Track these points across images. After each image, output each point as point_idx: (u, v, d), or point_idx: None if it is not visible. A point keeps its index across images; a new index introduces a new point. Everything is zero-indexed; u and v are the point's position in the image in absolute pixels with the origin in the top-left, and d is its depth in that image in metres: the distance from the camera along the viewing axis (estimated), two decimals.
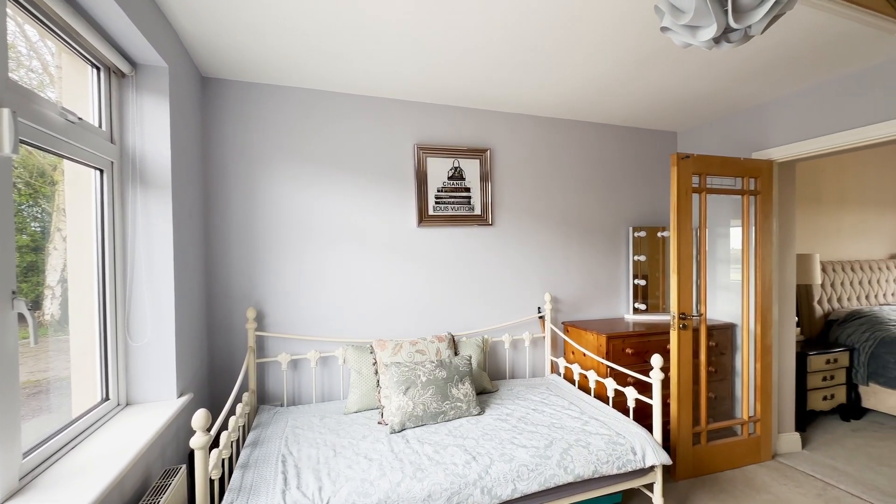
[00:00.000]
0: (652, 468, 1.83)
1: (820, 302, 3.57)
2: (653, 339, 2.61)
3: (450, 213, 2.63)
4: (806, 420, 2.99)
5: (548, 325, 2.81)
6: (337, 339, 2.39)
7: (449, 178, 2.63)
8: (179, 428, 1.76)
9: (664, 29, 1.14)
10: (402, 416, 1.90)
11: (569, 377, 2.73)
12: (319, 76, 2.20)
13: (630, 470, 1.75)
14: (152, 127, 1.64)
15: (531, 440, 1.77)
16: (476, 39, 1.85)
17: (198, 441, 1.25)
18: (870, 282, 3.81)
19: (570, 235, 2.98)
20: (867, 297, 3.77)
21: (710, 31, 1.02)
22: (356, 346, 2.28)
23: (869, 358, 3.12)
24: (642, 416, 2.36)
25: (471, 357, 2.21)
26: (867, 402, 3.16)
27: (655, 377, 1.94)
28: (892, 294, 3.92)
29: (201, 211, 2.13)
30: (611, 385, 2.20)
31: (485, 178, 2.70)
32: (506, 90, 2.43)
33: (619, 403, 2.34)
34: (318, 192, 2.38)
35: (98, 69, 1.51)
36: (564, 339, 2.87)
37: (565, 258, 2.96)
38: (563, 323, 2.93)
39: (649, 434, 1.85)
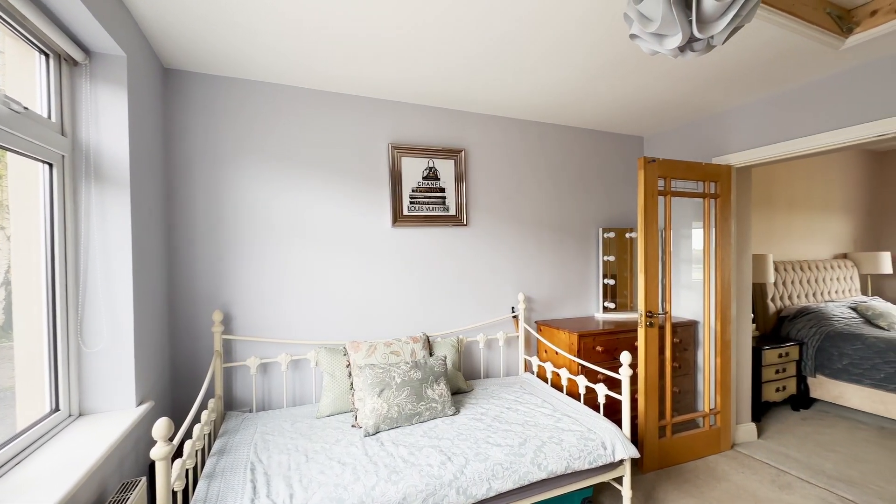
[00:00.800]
0: (621, 462, 1.88)
1: (773, 299, 3.80)
2: (622, 337, 2.69)
3: (425, 213, 2.62)
4: (761, 411, 3.17)
5: (521, 324, 2.85)
6: (309, 341, 2.33)
7: (424, 179, 2.62)
8: (139, 438, 1.66)
9: (633, 36, 1.18)
10: (377, 419, 1.87)
11: (542, 375, 2.78)
12: (289, 73, 2.14)
13: (601, 464, 1.79)
14: (108, 119, 1.54)
15: (506, 439, 1.79)
16: (451, 41, 1.85)
17: (159, 451, 1.18)
18: (816, 280, 4.09)
19: (542, 236, 3.03)
20: (814, 295, 4.05)
21: (676, 39, 1.07)
22: (329, 349, 2.23)
23: (816, 351, 3.35)
24: (612, 411, 2.44)
25: (446, 357, 2.21)
26: (814, 393, 3.40)
27: (624, 373, 2.00)
28: (836, 292, 4.22)
29: (163, 209, 2.03)
30: (582, 382, 2.26)
31: (459, 178, 2.71)
32: (481, 91, 2.44)
33: (590, 400, 2.41)
34: (289, 191, 2.31)
35: (47, 56, 1.41)
36: (537, 338, 2.92)
37: (538, 258, 3.01)
38: (536, 322, 2.98)
39: (618, 429, 1.91)
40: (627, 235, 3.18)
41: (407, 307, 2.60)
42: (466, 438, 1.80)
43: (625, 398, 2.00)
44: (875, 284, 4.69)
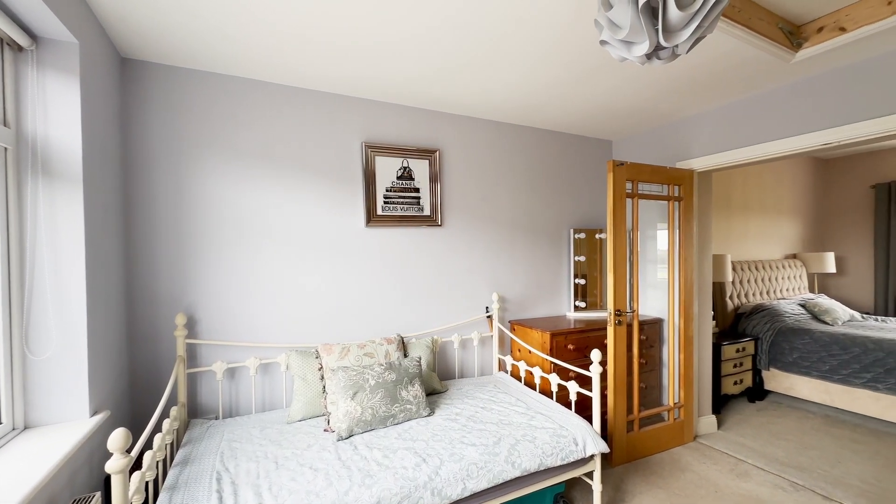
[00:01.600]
0: (592, 457, 1.93)
1: (731, 297, 4.01)
2: (592, 335, 2.77)
3: (399, 213, 2.60)
4: (720, 403, 3.34)
5: (495, 324, 2.88)
6: (279, 344, 2.26)
7: (398, 178, 2.60)
8: (93, 451, 1.56)
9: (603, 42, 1.21)
10: (350, 422, 1.84)
11: (515, 374, 2.81)
12: (260, 67, 2.07)
13: (573, 460, 1.83)
14: (58, 110, 1.44)
15: (480, 438, 1.80)
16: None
17: (115, 464, 1.11)
18: (770, 279, 4.35)
19: (516, 236, 3.07)
20: (768, 293, 4.31)
21: (643, 47, 1.11)
22: (300, 352, 2.17)
23: (769, 346, 3.56)
24: (583, 407, 2.49)
25: (420, 358, 2.20)
26: (769, 385, 3.61)
27: (594, 371, 2.06)
28: (787, 290, 4.51)
29: (120, 206, 1.92)
30: (554, 380, 2.30)
31: (434, 178, 2.71)
32: (456, 92, 2.44)
33: (563, 397, 2.46)
34: (258, 189, 2.23)
35: None
36: (511, 338, 2.95)
37: (512, 258, 3.05)
38: (509, 321, 3.02)
39: (589, 425, 1.96)
40: (597, 236, 3.27)
41: (380, 308, 2.57)
42: (441, 439, 1.79)
43: (595, 395, 2.06)
44: (821, 282, 5.04)
